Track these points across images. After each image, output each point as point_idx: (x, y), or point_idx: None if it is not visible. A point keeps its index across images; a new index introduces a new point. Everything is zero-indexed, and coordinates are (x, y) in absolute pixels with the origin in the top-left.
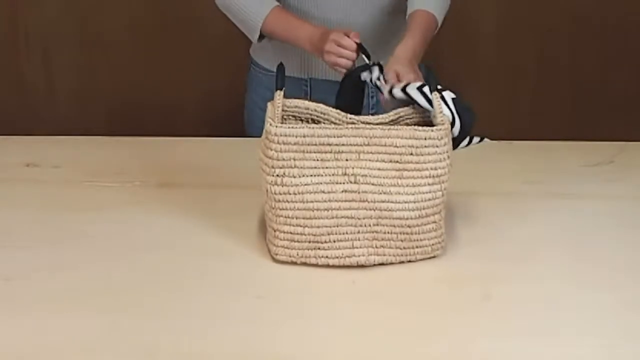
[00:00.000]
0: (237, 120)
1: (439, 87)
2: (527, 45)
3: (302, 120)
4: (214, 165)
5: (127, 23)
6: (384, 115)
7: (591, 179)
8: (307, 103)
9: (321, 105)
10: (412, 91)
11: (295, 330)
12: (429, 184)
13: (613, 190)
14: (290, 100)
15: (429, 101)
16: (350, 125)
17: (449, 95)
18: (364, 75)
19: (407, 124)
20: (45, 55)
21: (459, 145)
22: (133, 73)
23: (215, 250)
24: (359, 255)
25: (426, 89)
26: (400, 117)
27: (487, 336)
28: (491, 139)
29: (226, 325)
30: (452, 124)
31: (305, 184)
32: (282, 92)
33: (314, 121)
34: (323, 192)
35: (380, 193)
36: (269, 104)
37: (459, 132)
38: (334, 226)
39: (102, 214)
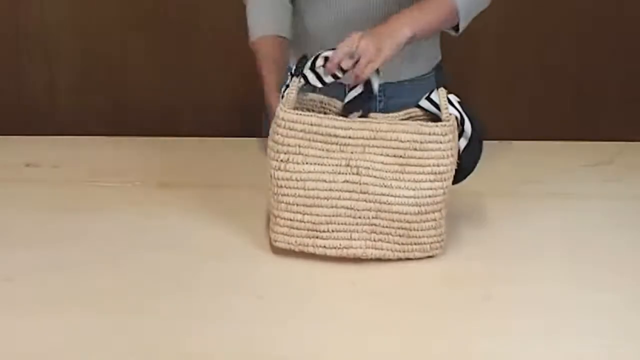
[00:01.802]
0: (237, 120)
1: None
2: (528, 45)
3: (314, 112)
4: (214, 165)
5: (127, 23)
6: (395, 114)
7: (591, 179)
8: (321, 97)
9: (334, 100)
10: (424, 104)
11: (295, 330)
12: (430, 181)
13: (613, 190)
14: (305, 93)
15: (435, 105)
16: (358, 119)
17: (454, 98)
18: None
19: None
20: (45, 55)
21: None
22: (133, 73)
23: (215, 250)
24: (356, 247)
25: (433, 96)
26: (411, 117)
27: (487, 336)
28: (491, 139)
29: (226, 325)
30: (462, 123)
31: (308, 172)
32: (297, 79)
33: (325, 114)
34: (324, 181)
35: (381, 186)
36: (283, 89)
37: (469, 146)
38: (333, 216)
39: (102, 214)
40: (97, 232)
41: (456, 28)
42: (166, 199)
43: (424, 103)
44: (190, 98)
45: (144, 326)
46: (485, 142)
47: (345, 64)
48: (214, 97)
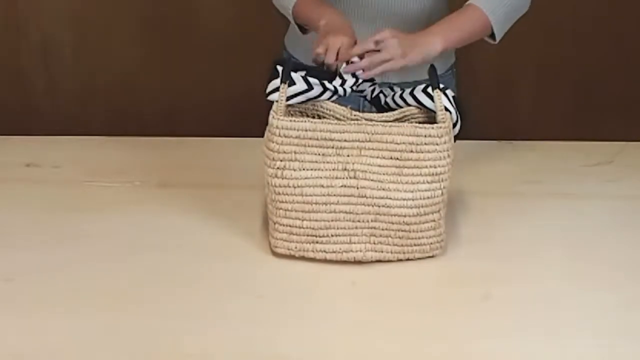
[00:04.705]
0: (237, 120)
1: (441, 86)
2: (528, 45)
3: (308, 116)
4: (214, 165)
5: (127, 23)
6: (389, 114)
7: (591, 179)
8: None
9: (328, 102)
10: (419, 94)
11: (295, 330)
12: (427, 182)
13: (613, 190)
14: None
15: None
16: (353, 122)
17: (450, 93)
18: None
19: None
20: (45, 55)
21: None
22: (133, 73)
23: (215, 250)
24: (356, 251)
25: (430, 89)
26: (405, 116)
27: (487, 336)
28: (491, 139)
29: (226, 325)
30: (454, 124)
31: (305, 178)
32: (286, 86)
33: (320, 117)
34: (322, 186)
35: (379, 189)
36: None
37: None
38: (332, 220)
39: (102, 214)
40: (97, 232)
41: (493, 36)
42: (166, 199)
43: (419, 95)
44: (190, 98)
45: (144, 326)
46: (485, 142)
47: (368, 47)
48: (214, 97)
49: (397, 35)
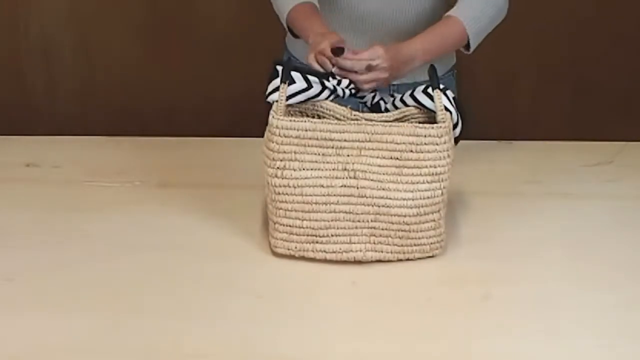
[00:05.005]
0: (238, 120)
1: (441, 86)
2: (527, 44)
3: (308, 116)
4: (214, 165)
5: (127, 23)
6: (389, 114)
7: (591, 179)
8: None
9: (327, 102)
10: (419, 94)
11: (295, 330)
12: (427, 182)
13: (613, 190)
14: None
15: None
16: (352, 121)
17: (450, 94)
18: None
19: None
20: (45, 55)
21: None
22: (133, 73)
23: (215, 250)
24: (356, 251)
25: (430, 90)
26: (405, 116)
27: (487, 336)
28: (491, 139)
29: (226, 325)
30: (455, 125)
31: (305, 178)
32: (286, 86)
33: (319, 117)
34: (322, 186)
35: (379, 189)
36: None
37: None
38: (332, 220)
39: (102, 214)
40: (97, 232)
41: (467, 46)
42: (166, 199)
43: (420, 95)
44: (190, 98)
45: (143, 326)
46: (485, 142)
47: (358, 67)
48: (214, 97)
49: (387, 54)
